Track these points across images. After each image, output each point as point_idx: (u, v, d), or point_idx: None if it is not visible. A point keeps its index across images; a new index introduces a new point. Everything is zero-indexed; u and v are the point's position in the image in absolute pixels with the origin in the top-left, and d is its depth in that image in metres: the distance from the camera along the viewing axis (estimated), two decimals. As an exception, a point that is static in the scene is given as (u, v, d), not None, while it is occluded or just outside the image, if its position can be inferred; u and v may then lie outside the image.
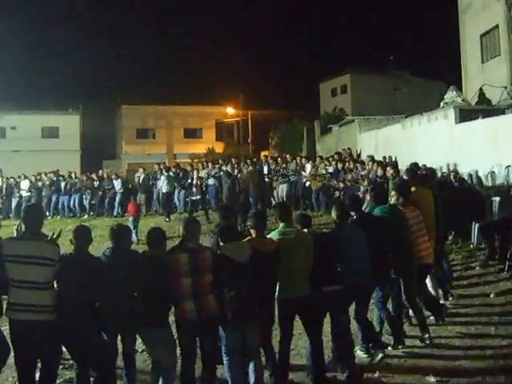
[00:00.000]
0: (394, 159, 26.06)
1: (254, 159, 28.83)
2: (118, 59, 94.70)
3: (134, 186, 28.24)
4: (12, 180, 30.53)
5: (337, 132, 41.55)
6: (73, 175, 29.95)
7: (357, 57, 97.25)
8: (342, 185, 22.73)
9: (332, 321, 8.33)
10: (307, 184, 24.38)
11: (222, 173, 25.55)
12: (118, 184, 27.93)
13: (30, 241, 6.92)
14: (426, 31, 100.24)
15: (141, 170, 28.81)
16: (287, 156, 28.29)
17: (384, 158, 26.57)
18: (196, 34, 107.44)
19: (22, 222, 7.27)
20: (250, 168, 24.35)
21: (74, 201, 28.47)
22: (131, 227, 21.32)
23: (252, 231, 7.94)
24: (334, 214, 8.78)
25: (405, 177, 11.49)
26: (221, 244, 7.52)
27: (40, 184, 29.65)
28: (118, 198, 27.38)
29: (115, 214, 26.72)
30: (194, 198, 25.44)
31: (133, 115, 59.12)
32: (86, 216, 27.82)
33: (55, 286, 6.92)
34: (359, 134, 36.11)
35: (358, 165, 24.09)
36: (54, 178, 29.56)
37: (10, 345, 6.87)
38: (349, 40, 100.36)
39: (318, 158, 27.48)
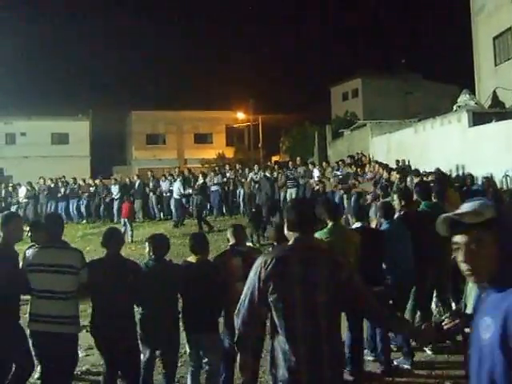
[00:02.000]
0: (406, 163, 25.88)
1: (266, 164, 28.73)
2: (127, 65, 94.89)
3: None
4: (10, 188, 30.64)
5: (348, 136, 41.21)
6: (71, 181, 29.91)
7: (368, 60, 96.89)
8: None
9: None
10: (315, 188, 24.19)
11: (260, 177, 25.57)
12: (115, 190, 27.86)
13: (54, 249, 6.84)
14: (439, 34, 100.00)
15: (135, 176, 29.43)
16: (296, 160, 28.23)
17: (397, 161, 26.36)
18: (206, 38, 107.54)
19: (44, 231, 7.11)
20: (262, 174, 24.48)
21: (72, 206, 28.49)
22: (127, 228, 21.56)
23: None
24: (379, 214, 9.06)
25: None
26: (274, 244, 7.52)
27: (37, 190, 29.70)
28: (115, 204, 27.27)
29: (115, 220, 26.63)
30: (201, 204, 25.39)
31: (143, 121, 58.92)
32: (84, 221, 27.83)
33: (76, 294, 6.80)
34: (371, 138, 35.78)
35: (366, 168, 24.06)
36: (52, 185, 29.57)
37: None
38: (360, 44, 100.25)
39: (324, 163, 27.53)
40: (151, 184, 28.52)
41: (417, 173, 19.44)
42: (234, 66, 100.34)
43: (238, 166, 29.56)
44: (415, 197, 10.30)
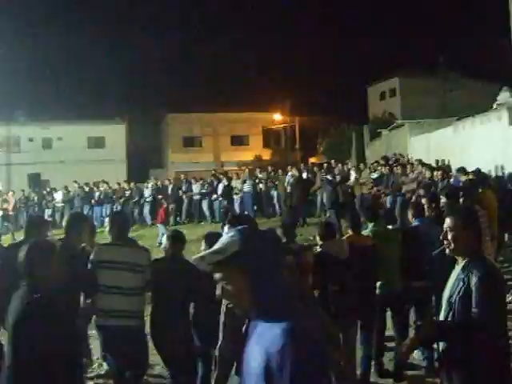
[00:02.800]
0: (446, 163, 25.41)
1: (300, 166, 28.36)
2: (163, 68, 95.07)
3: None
4: (45, 192, 30.83)
5: (386, 137, 40.69)
6: (105, 185, 29.99)
7: (405, 59, 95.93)
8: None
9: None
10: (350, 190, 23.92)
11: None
12: (147, 193, 27.83)
13: (123, 247, 7.10)
14: (478, 31, 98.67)
15: (168, 180, 29.75)
16: (332, 162, 27.92)
17: (436, 161, 25.93)
18: (242, 40, 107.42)
19: (111, 230, 7.27)
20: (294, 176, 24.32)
21: (106, 211, 28.49)
22: (162, 232, 21.50)
23: (349, 231, 8.54)
24: (411, 213, 9.14)
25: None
26: (320, 242, 7.76)
27: (72, 195, 29.87)
28: (147, 208, 27.17)
29: (148, 223, 26.52)
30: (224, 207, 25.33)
31: (179, 123, 58.76)
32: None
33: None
34: (409, 138, 35.29)
35: (408, 167, 23.61)
36: (87, 189, 29.67)
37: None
38: (397, 42, 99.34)
39: (361, 164, 27.11)
40: (184, 187, 28.39)
41: (463, 171, 19.02)
42: (271, 67, 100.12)
43: (270, 168, 29.25)
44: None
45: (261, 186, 26.96)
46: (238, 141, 60.49)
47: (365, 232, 8.62)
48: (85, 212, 28.14)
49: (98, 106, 65.19)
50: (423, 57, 71.53)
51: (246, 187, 26.28)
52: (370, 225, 8.70)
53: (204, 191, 27.09)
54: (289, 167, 28.03)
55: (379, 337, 8.48)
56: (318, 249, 7.76)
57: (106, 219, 7.81)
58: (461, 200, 9.80)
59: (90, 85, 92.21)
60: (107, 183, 30.46)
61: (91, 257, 7.06)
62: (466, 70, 55.72)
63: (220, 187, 26.27)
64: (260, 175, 27.78)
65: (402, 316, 8.79)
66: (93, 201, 29.21)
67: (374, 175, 24.12)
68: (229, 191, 25.53)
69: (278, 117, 57.70)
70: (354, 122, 48.50)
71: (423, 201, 9.78)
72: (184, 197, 27.76)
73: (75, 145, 53.05)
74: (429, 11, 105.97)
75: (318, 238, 8.01)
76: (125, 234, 7.36)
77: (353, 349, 7.62)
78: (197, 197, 27.21)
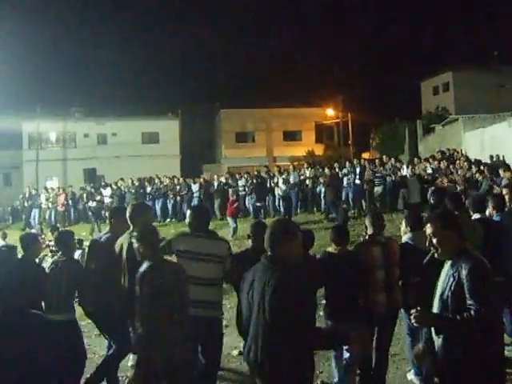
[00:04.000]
0: (501, 158, 25.16)
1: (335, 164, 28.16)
2: (216, 63, 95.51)
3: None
4: (93, 189, 31.46)
5: (440, 132, 40.36)
6: (157, 180, 30.27)
7: (459, 53, 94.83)
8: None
9: None
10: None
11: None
12: (195, 188, 28.05)
13: (203, 238, 7.17)
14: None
15: (215, 176, 29.78)
16: (383, 157, 27.76)
17: (491, 157, 25.68)
18: (294, 35, 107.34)
19: (191, 223, 7.36)
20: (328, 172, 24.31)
21: (157, 206, 28.82)
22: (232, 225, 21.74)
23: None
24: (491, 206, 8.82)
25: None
26: (408, 233, 7.75)
27: (123, 190, 30.29)
28: (194, 203, 27.41)
29: None
30: (258, 203, 25.49)
31: (232, 119, 59.01)
32: (168, 220, 28.02)
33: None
34: (463, 133, 34.96)
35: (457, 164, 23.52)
36: (137, 184, 30.01)
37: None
38: (450, 36, 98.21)
39: (415, 159, 26.84)
40: (230, 182, 28.59)
41: (506, 167, 18.85)
42: (323, 63, 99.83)
43: (307, 165, 29.26)
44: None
45: (307, 182, 26.94)
46: (291, 136, 60.43)
47: None
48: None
49: (152, 102, 65.80)
50: (477, 51, 70.61)
51: (291, 184, 26.15)
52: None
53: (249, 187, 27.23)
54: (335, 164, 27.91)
55: None
56: (403, 240, 7.83)
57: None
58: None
59: (143, 81, 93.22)
60: (159, 178, 30.85)
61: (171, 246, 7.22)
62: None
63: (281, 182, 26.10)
64: (307, 172, 27.65)
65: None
66: (146, 196, 29.47)
67: (429, 170, 23.98)
68: (261, 186, 25.73)
69: (330, 112, 57.45)
70: (406, 117, 48.13)
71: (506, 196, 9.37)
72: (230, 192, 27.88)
73: (130, 140, 53.72)
74: (483, 5, 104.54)
75: (403, 229, 8.05)
76: (205, 225, 7.43)
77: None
78: (242, 192, 27.28)
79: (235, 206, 23.15)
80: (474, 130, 33.48)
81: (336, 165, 27.59)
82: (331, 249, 7.60)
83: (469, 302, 4.56)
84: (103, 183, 33.33)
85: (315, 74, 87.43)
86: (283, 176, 26.18)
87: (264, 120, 59.57)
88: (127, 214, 7.33)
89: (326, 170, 25.28)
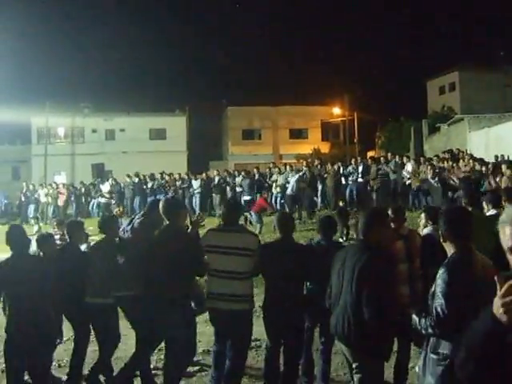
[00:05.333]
0: (506, 158, 25.36)
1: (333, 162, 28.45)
2: (222, 61, 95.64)
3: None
4: (91, 185, 31.74)
5: (445, 131, 40.56)
6: (158, 176, 30.55)
7: (465, 53, 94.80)
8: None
9: None
10: (407, 182, 24.09)
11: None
12: (196, 184, 28.28)
13: (233, 232, 7.28)
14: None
15: (215, 171, 29.88)
16: (388, 155, 28.04)
17: (496, 156, 25.89)
18: (300, 34, 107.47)
19: (223, 216, 7.60)
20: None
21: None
22: (253, 220, 21.88)
23: None
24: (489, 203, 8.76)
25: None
26: (429, 226, 7.89)
27: (122, 186, 30.60)
28: (196, 199, 27.67)
29: (196, 213, 27.00)
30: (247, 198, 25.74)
31: (238, 116, 59.28)
32: None
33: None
34: (469, 132, 35.24)
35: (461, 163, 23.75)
36: (136, 180, 30.27)
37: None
38: (456, 36, 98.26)
39: (421, 158, 27.07)
40: (228, 179, 28.88)
41: (510, 164, 19.06)
42: (329, 61, 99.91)
43: (316, 162, 29.39)
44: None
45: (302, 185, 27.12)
46: (297, 134, 60.64)
47: None
48: (138, 203, 29.12)
49: (160, 98, 66.01)
50: (483, 51, 70.67)
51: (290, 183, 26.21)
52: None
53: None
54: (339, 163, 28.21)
55: None
56: (424, 232, 7.92)
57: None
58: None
59: (151, 78, 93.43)
60: (161, 174, 31.18)
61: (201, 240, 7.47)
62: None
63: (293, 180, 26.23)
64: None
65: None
66: (147, 191, 29.74)
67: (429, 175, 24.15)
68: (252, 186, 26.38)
69: (336, 110, 57.65)
70: (412, 116, 48.35)
71: None
72: (228, 189, 28.28)
73: (137, 136, 54.05)
74: (490, 5, 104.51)
75: (422, 223, 8.24)
76: (235, 220, 7.64)
77: None
78: (239, 189, 27.41)
79: (263, 203, 23.17)
80: (479, 130, 33.72)
81: (339, 163, 28.01)
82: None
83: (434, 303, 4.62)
84: (99, 179, 33.82)
85: (322, 73, 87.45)
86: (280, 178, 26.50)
87: (270, 118, 59.82)
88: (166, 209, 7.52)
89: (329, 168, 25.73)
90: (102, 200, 29.48)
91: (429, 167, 23.07)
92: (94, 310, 7.83)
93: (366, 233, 5.58)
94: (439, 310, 4.53)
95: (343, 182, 25.98)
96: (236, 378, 7.27)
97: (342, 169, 26.98)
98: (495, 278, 2.33)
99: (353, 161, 27.30)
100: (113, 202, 28.67)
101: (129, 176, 31.18)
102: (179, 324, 7.03)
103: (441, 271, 4.67)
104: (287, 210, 23.47)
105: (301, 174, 25.23)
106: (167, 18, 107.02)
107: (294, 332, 7.29)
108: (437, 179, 22.27)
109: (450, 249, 4.86)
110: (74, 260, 8.09)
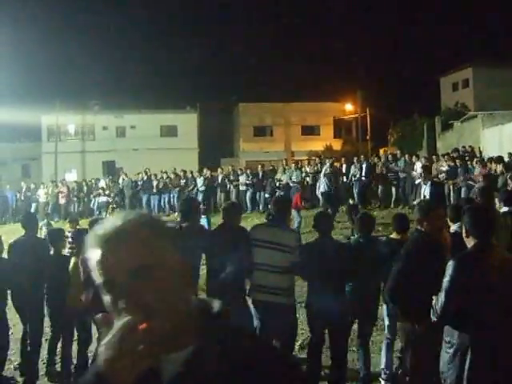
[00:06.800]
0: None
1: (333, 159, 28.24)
2: (234, 57, 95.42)
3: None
4: (92, 181, 31.68)
5: (459, 128, 40.08)
6: (164, 175, 30.46)
7: (479, 49, 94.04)
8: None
9: None
10: (416, 182, 23.57)
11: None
12: (200, 182, 28.19)
13: (277, 228, 7.66)
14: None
15: (219, 170, 30.02)
16: (397, 153, 27.78)
17: (509, 154, 25.54)
18: (312, 30, 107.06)
19: (271, 212, 8.21)
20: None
21: (164, 200, 29.05)
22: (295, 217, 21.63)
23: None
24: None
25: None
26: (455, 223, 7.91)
27: (121, 184, 30.65)
28: (200, 197, 27.55)
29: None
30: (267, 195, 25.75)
31: (250, 113, 59.04)
32: (175, 214, 28.18)
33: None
34: (482, 130, 34.80)
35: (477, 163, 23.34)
36: (145, 178, 30.26)
37: None
38: (470, 32, 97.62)
39: (434, 157, 26.77)
40: (232, 177, 28.91)
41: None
42: (343, 57, 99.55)
43: (317, 160, 29.23)
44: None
45: (308, 179, 26.98)
46: (309, 130, 60.34)
47: None
48: (143, 201, 29.47)
49: (171, 95, 65.95)
50: (497, 48, 69.98)
51: (293, 180, 26.33)
52: None
53: (248, 182, 27.67)
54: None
55: None
56: (452, 229, 7.90)
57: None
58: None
59: (162, 74, 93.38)
60: (166, 172, 31.09)
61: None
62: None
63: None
64: (308, 168, 27.68)
65: None
66: (154, 190, 29.84)
67: (445, 167, 23.86)
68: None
69: (349, 107, 57.41)
70: (425, 112, 47.92)
71: None
72: (231, 187, 28.37)
73: (148, 133, 53.96)
74: (504, 1, 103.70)
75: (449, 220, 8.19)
76: (282, 216, 7.92)
77: None
78: (243, 187, 27.65)
79: (300, 200, 22.88)
80: (492, 127, 33.31)
81: (343, 159, 27.95)
82: (394, 236, 8.17)
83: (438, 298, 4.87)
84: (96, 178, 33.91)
85: (334, 69, 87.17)
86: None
87: (282, 114, 59.54)
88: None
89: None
90: (101, 199, 29.29)
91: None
92: None
93: (421, 224, 6.09)
94: (438, 306, 4.82)
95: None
96: None
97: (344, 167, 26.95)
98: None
99: (355, 159, 26.90)
100: (110, 200, 28.44)
101: (146, 173, 31.13)
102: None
103: (450, 263, 4.85)
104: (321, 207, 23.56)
105: (327, 170, 24.84)
106: (178, 15, 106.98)
107: (339, 328, 7.54)
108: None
109: (470, 244, 5.05)
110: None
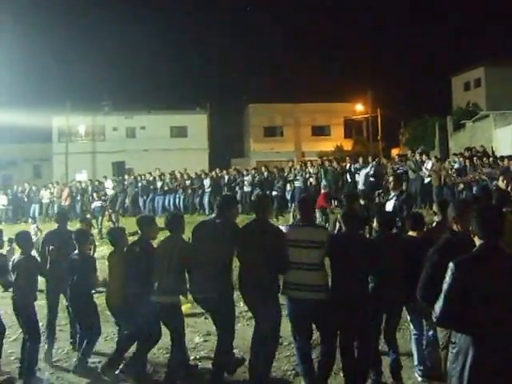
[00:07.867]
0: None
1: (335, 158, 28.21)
2: (244, 58, 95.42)
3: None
4: (97, 182, 31.69)
5: (471, 128, 39.87)
6: (168, 176, 30.42)
7: (490, 48, 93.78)
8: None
9: None
10: (426, 180, 23.53)
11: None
12: (207, 183, 28.15)
13: (307, 227, 7.84)
14: None
15: (224, 171, 30.18)
16: (408, 153, 27.65)
17: (522, 153, 25.38)
18: (323, 31, 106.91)
19: (296, 212, 8.71)
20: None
21: (169, 201, 29.05)
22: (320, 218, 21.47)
23: None
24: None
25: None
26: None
27: (125, 184, 30.70)
28: (206, 197, 27.55)
29: (207, 212, 26.65)
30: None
31: (260, 113, 58.98)
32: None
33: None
34: (494, 129, 34.61)
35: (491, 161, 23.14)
36: (151, 178, 30.37)
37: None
38: (481, 31, 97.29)
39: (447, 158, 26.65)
40: (237, 178, 28.90)
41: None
42: (352, 58, 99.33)
43: (320, 160, 29.19)
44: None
45: (311, 180, 26.84)
46: (319, 131, 60.18)
47: None
48: (144, 201, 29.64)
49: (181, 96, 65.96)
50: (509, 46, 69.72)
51: (298, 182, 26.40)
52: None
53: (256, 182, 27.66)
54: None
55: None
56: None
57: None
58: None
59: (172, 75, 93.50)
60: (170, 173, 30.98)
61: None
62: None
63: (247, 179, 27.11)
64: (311, 170, 27.53)
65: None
66: (158, 190, 29.89)
67: (456, 165, 23.66)
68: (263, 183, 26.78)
69: (359, 107, 57.28)
70: (437, 112, 47.76)
71: None
72: (237, 188, 28.25)
73: (158, 134, 54.05)
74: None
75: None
76: (309, 216, 8.20)
77: None
78: (248, 188, 27.57)
79: (322, 201, 22.69)
80: (505, 127, 33.13)
81: (348, 159, 27.92)
82: (412, 233, 8.23)
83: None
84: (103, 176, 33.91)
85: (345, 69, 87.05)
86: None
87: (292, 115, 59.47)
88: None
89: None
90: (95, 204, 29.10)
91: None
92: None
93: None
94: (438, 308, 4.78)
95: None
96: (327, 366, 7.67)
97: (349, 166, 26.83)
98: None
99: (360, 159, 26.72)
100: (104, 204, 28.28)
101: (151, 174, 31.12)
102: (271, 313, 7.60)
103: (450, 265, 4.78)
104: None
105: (368, 168, 24.61)
106: (189, 16, 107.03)
107: (362, 325, 7.51)
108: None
109: (477, 244, 4.95)
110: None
